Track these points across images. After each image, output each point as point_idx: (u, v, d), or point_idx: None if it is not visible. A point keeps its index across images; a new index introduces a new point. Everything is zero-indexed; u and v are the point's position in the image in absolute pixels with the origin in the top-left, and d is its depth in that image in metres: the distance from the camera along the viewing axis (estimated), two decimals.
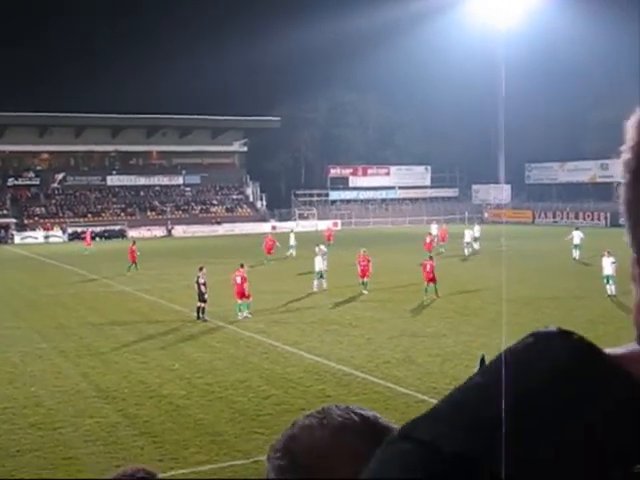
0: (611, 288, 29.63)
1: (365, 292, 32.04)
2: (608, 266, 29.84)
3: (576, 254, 43.35)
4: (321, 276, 33.78)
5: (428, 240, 44.97)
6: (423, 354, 20.63)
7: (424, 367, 19.15)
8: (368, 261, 32.94)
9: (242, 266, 28.21)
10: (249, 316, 26.96)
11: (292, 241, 49.75)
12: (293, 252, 48.99)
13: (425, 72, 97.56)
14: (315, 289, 33.31)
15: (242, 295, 27.22)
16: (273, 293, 33.00)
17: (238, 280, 27.35)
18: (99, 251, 59.98)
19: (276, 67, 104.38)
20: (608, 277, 29.89)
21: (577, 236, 44.03)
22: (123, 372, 19.41)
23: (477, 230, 50.87)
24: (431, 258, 32.13)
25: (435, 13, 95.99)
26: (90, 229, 68.24)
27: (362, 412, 1.18)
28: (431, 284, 30.28)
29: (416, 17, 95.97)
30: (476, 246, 48.59)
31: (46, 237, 76.54)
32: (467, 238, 47.10)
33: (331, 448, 1.12)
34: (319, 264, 34.22)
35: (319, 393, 17.06)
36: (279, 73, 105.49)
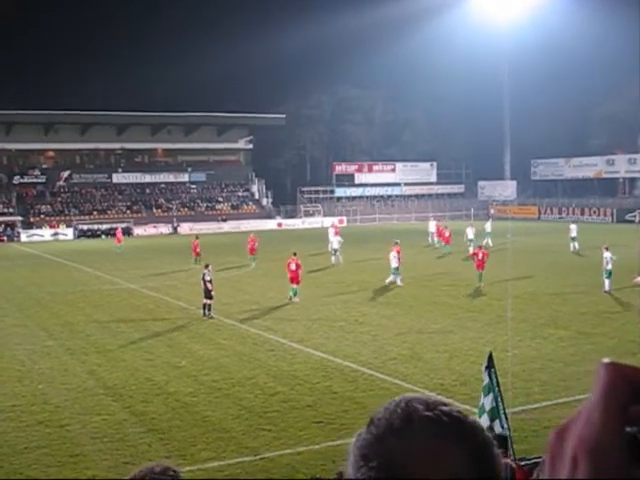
0: (606, 282, 29.75)
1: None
2: (605, 260, 30.11)
3: (574, 246, 45.77)
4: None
5: (447, 234, 47.10)
6: (430, 350, 20.63)
7: (431, 363, 19.15)
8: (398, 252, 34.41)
9: (295, 254, 31.57)
10: (296, 300, 29.61)
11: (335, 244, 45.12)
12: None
13: (431, 68, 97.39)
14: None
15: (295, 280, 30.38)
16: (279, 290, 33.03)
17: (293, 267, 30.58)
18: (104, 249, 60.09)
19: (281, 64, 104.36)
20: (610, 272, 29.89)
21: (574, 229, 46.50)
22: (130, 369, 19.45)
23: (489, 226, 50.76)
24: (480, 247, 34.48)
25: (441, 9, 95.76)
26: (120, 227, 68.74)
27: (448, 409, 1.13)
28: (480, 271, 32.45)
29: (422, 13, 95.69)
30: (490, 242, 48.48)
31: (55, 234, 76.70)
32: (470, 235, 45.94)
33: (426, 454, 1.06)
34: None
35: (326, 390, 17.07)
36: (285, 70, 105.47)
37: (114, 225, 79.01)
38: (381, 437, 1.09)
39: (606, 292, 28.87)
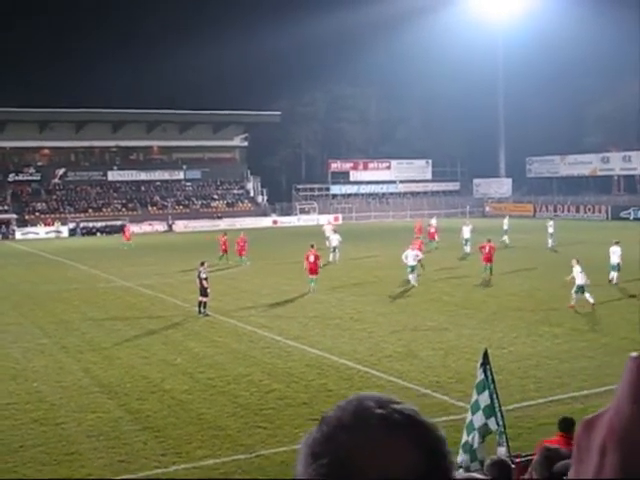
0: (614, 275, 30.21)
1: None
2: (616, 255, 30.50)
3: (550, 242, 47.01)
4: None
5: (432, 230, 48.68)
6: (425, 348, 20.64)
7: (426, 361, 19.16)
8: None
9: (312, 246, 32.67)
10: (315, 290, 30.89)
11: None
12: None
13: (426, 66, 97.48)
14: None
15: (314, 271, 31.58)
16: (274, 287, 33.05)
17: (311, 259, 31.67)
18: (99, 247, 60.08)
19: (276, 61, 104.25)
20: (614, 266, 30.37)
21: (551, 226, 47.90)
22: (125, 367, 19.43)
23: (505, 223, 50.39)
24: (489, 241, 34.81)
25: (436, 7, 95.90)
26: (129, 224, 69.31)
27: (400, 407, 1.12)
28: (488, 264, 33.68)
29: (416, 11, 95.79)
30: (507, 240, 48.47)
31: (57, 231, 76.78)
32: (466, 234, 44.54)
33: (377, 451, 1.05)
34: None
35: (321, 387, 17.07)
36: (280, 67, 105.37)
37: (109, 223, 79.21)
38: (331, 435, 1.09)
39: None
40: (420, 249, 35.10)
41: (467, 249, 43.54)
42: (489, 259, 33.99)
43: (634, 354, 0.86)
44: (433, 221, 52.99)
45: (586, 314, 24.76)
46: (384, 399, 1.12)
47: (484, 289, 31.14)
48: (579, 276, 25.71)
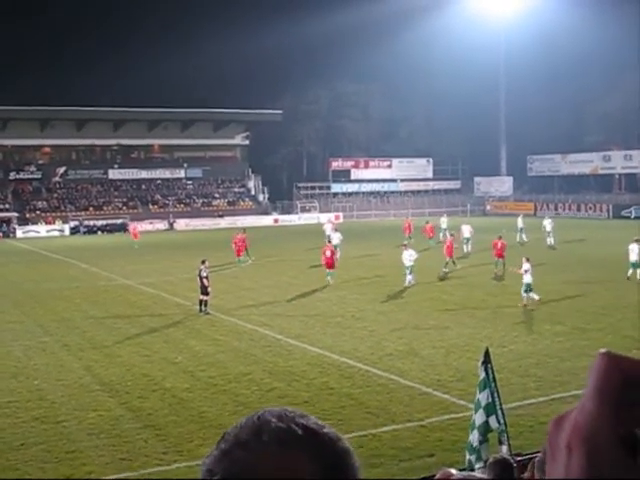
0: (636, 272, 30.54)
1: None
2: (635, 253, 30.92)
3: (549, 240, 46.97)
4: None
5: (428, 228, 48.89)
6: (426, 346, 20.65)
7: (427, 359, 19.17)
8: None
9: (329, 241, 37.34)
10: (332, 283, 32.19)
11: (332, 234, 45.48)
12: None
13: (428, 64, 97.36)
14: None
15: (330, 265, 32.97)
16: (275, 286, 33.07)
17: (328, 254, 33.27)
18: (100, 245, 60.11)
19: (278, 59, 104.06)
20: (634, 264, 30.77)
21: (548, 224, 47.73)
22: (126, 365, 19.45)
23: (520, 222, 50.25)
24: (500, 237, 36.14)
25: (439, 5, 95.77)
26: (135, 223, 69.59)
27: (303, 421, 1.08)
28: (500, 259, 34.99)
29: (419, 9, 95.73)
30: (525, 238, 48.52)
31: (60, 230, 76.82)
32: (465, 233, 44.02)
33: (272, 466, 1.02)
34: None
35: (322, 386, 17.08)
36: (281, 65, 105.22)
37: (110, 221, 79.22)
38: (228, 451, 1.05)
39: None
40: (450, 247, 36.55)
41: (467, 248, 43.37)
42: (501, 255, 35.29)
43: (602, 350, 0.86)
44: (444, 219, 53.07)
45: (588, 313, 24.74)
46: (287, 414, 1.08)
47: (485, 288, 31.15)
48: (526, 275, 26.57)
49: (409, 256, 32.28)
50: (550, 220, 48.77)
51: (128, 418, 15.12)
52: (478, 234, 45.06)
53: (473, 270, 35.80)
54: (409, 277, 31.97)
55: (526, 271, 26.54)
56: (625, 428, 0.81)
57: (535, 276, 33.17)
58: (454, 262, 36.54)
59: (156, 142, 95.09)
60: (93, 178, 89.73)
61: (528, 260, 27.07)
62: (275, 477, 1.01)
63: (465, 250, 43.05)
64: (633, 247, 31.31)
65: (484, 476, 6.76)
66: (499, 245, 35.78)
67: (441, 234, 50.31)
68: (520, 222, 50.32)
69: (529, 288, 26.39)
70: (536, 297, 26.28)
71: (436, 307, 26.91)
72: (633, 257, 31.17)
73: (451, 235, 39.19)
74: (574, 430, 0.84)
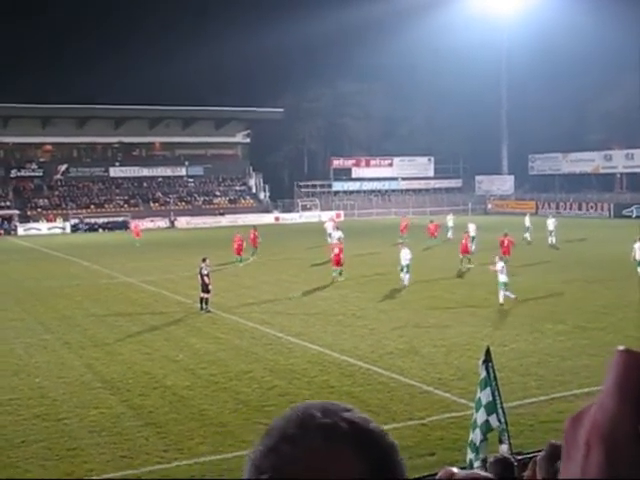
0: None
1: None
2: (639, 251, 31.16)
3: (551, 239, 47.05)
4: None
5: (432, 227, 48.44)
6: (427, 345, 20.64)
7: (428, 358, 19.16)
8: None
9: (339, 239, 37.93)
10: (340, 279, 32.75)
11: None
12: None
13: (429, 63, 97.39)
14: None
15: (337, 263, 33.53)
16: (276, 284, 33.08)
17: (336, 251, 33.88)
18: (101, 243, 60.10)
19: (280, 58, 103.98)
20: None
21: (551, 223, 47.84)
22: (127, 363, 19.46)
23: (527, 221, 49.89)
24: (506, 235, 36.98)
25: (440, 4, 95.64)
26: (136, 220, 70.05)
27: (348, 415, 1.06)
28: (506, 256, 34.05)
29: (420, 8, 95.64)
30: (529, 237, 48.43)
31: (61, 228, 76.91)
32: (472, 232, 43.51)
33: (319, 462, 1.01)
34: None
35: (323, 384, 17.09)
36: (282, 64, 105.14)
37: (111, 219, 79.25)
38: (274, 447, 1.04)
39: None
40: (466, 245, 37.16)
41: (472, 247, 43.22)
42: (507, 252, 35.62)
43: (621, 347, 0.86)
44: (450, 217, 53.03)
45: (589, 311, 24.72)
46: (332, 407, 1.07)
47: (486, 286, 31.08)
48: (501, 274, 26.50)
49: (405, 255, 32.33)
50: (554, 220, 48.81)
51: (129, 416, 15.14)
52: (479, 233, 45.06)
53: (475, 269, 35.77)
54: (405, 276, 31.93)
55: (501, 270, 26.46)
56: None
57: (537, 275, 33.25)
58: (469, 260, 36.81)
59: (157, 140, 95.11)
60: (94, 176, 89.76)
61: (501, 259, 27.78)
62: (322, 474, 1.00)
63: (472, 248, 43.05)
64: (638, 245, 31.50)
65: (487, 474, 6.76)
66: (505, 242, 36.30)
67: (448, 233, 50.39)
68: (527, 221, 50.21)
69: (505, 286, 26.37)
70: (512, 296, 26.23)
71: (437, 305, 26.91)
72: (639, 255, 31.39)
73: (465, 233, 39.52)
74: (593, 427, 0.84)
